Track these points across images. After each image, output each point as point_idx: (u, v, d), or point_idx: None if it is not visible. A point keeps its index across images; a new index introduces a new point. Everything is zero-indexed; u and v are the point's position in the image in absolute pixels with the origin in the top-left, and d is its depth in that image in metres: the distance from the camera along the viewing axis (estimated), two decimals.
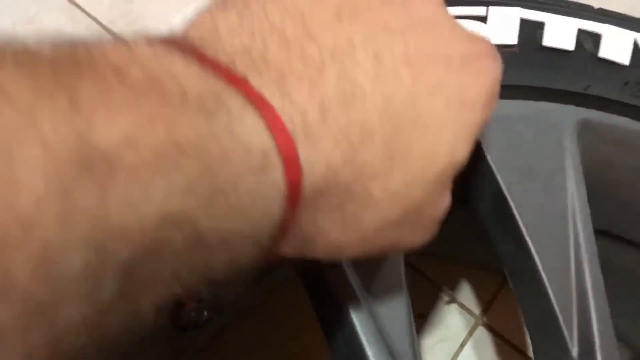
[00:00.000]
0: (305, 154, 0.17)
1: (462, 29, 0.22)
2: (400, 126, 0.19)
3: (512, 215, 0.31)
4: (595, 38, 0.35)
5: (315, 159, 0.17)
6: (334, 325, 0.29)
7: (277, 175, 0.16)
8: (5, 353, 0.11)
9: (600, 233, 0.39)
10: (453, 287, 0.54)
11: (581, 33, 0.35)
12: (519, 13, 0.35)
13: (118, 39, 0.16)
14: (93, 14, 0.59)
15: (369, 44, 0.19)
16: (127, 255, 0.13)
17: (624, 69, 0.34)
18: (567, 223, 0.31)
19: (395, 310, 0.29)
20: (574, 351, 0.30)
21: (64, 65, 0.13)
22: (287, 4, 0.19)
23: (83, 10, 0.59)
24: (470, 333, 0.53)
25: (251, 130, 0.16)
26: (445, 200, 0.22)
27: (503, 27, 0.34)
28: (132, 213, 0.13)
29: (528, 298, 0.31)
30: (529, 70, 0.33)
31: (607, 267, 0.42)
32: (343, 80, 0.18)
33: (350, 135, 0.18)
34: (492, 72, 0.21)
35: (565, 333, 0.30)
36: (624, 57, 0.35)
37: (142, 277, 0.14)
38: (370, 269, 0.29)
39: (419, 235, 0.22)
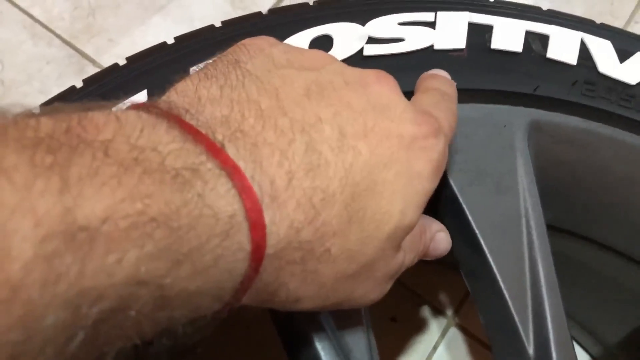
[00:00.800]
0: (270, 216, 0.19)
1: (410, 111, 0.24)
2: (357, 192, 0.21)
3: (465, 218, 0.31)
4: (543, 39, 0.36)
5: (279, 221, 0.19)
6: (297, 346, 0.29)
7: (242, 237, 0.18)
8: None
9: (560, 230, 0.40)
10: (424, 288, 0.54)
11: (529, 35, 0.35)
12: (467, 17, 0.35)
13: (109, 105, 0.18)
14: (55, 29, 0.58)
15: (335, 120, 0.21)
16: (97, 312, 0.15)
17: (571, 69, 0.35)
18: (520, 223, 0.32)
19: (354, 330, 0.29)
20: (530, 350, 0.30)
21: (59, 144, 0.15)
22: (263, 80, 0.21)
23: (44, 26, 0.58)
24: (443, 334, 0.53)
25: (222, 197, 0.17)
26: (396, 261, 0.24)
27: (451, 32, 0.35)
28: (105, 277, 0.14)
29: (484, 299, 0.32)
30: (478, 74, 0.34)
31: (570, 263, 0.43)
32: (310, 151, 0.20)
33: (313, 200, 0.20)
34: (436, 148, 0.24)
35: (522, 332, 0.30)
36: (571, 57, 0.35)
37: (108, 330, 0.15)
38: None
39: (372, 290, 0.24)
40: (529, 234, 0.31)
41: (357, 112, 0.22)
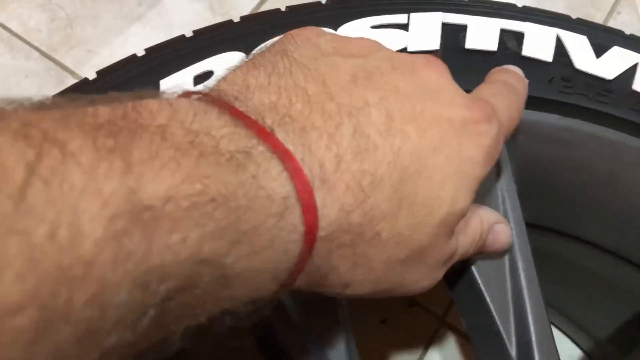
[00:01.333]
0: (321, 199, 0.19)
1: (461, 96, 0.24)
2: (406, 176, 0.21)
3: None
4: (518, 37, 0.35)
5: (330, 203, 0.19)
6: None
7: (295, 218, 0.18)
8: None
9: (544, 228, 0.40)
10: None
11: (504, 33, 0.35)
12: (440, 18, 0.35)
13: (162, 94, 0.19)
14: (32, 42, 0.58)
15: (382, 104, 0.21)
16: (165, 290, 0.15)
17: (548, 66, 0.35)
18: None
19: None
20: (513, 351, 0.30)
21: (118, 129, 0.15)
22: (310, 67, 0.22)
23: (21, 39, 0.58)
24: (434, 335, 0.53)
25: (275, 179, 0.18)
26: (449, 248, 0.24)
27: (425, 33, 0.34)
28: (170, 255, 0.15)
29: (466, 303, 0.31)
30: (453, 74, 0.33)
31: (557, 261, 0.43)
32: (357, 135, 0.20)
33: (362, 183, 0.20)
34: (488, 134, 0.24)
35: (503, 334, 0.30)
36: (547, 54, 0.35)
37: (175, 308, 0.16)
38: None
39: (423, 277, 0.24)
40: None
41: (404, 96, 0.22)
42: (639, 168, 0.34)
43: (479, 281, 0.30)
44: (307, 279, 0.20)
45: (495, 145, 0.24)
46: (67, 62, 0.57)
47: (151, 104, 0.17)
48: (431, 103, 0.23)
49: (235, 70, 0.22)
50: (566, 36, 0.36)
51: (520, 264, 0.31)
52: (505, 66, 0.31)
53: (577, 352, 0.53)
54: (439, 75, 0.24)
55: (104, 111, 0.16)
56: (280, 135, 0.19)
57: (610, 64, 0.35)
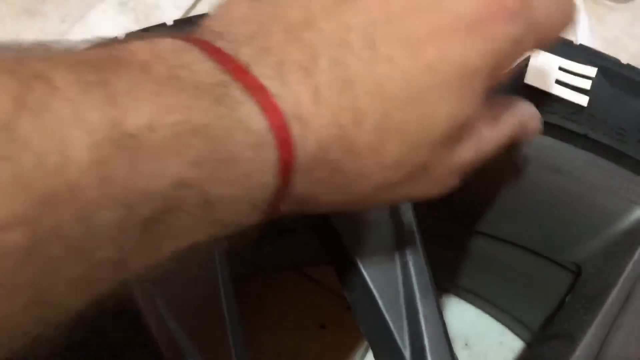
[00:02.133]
0: (297, 133, 0.19)
1: None
2: (393, 106, 0.20)
3: (333, 230, 0.31)
4: None
5: (307, 138, 0.19)
6: None
7: (271, 153, 0.19)
8: (54, 279, 0.15)
9: (481, 233, 0.40)
10: None
11: None
12: None
13: (147, 35, 0.20)
14: None
15: (366, 29, 0.20)
16: (149, 212, 0.17)
17: None
18: (390, 229, 0.31)
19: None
20: (407, 354, 0.30)
21: (102, 64, 0.17)
22: None
23: None
24: None
25: (250, 114, 0.18)
26: (461, 154, 0.22)
27: None
28: (152, 180, 0.16)
29: (362, 310, 0.31)
30: None
31: (491, 261, 0.43)
32: (335, 66, 0.20)
33: (340, 118, 0.20)
34: (504, 37, 0.21)
35: (397, 338, 0.30)
36: None
37: (162, 229, 0.17)
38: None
39: (434, 188, 0.23)
40: (400, 239, 0.31)
41: (394, 15, 0.20)
42: (532, 163, 0.34)
43: (371, 286, 0.30)
44: (290, 205, 0.21)
45: (512, 51, 0.21)
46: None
47: (134, 43, 0.18)
48: (429, 15, 0.20)
49: (224, 3, 0.22)
50: None
51: (412, 271, 0.31)
52: None
53: (518, 343, 0.54)
54: None
55: (90, 51, 0.17)
56: (256, 70, 0.19)
57: None
